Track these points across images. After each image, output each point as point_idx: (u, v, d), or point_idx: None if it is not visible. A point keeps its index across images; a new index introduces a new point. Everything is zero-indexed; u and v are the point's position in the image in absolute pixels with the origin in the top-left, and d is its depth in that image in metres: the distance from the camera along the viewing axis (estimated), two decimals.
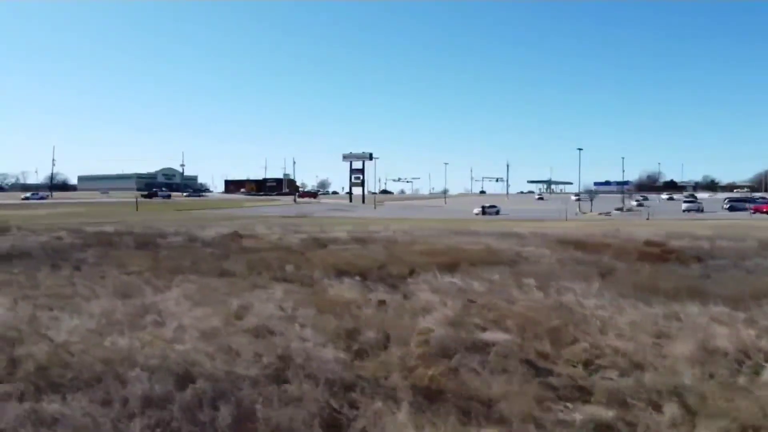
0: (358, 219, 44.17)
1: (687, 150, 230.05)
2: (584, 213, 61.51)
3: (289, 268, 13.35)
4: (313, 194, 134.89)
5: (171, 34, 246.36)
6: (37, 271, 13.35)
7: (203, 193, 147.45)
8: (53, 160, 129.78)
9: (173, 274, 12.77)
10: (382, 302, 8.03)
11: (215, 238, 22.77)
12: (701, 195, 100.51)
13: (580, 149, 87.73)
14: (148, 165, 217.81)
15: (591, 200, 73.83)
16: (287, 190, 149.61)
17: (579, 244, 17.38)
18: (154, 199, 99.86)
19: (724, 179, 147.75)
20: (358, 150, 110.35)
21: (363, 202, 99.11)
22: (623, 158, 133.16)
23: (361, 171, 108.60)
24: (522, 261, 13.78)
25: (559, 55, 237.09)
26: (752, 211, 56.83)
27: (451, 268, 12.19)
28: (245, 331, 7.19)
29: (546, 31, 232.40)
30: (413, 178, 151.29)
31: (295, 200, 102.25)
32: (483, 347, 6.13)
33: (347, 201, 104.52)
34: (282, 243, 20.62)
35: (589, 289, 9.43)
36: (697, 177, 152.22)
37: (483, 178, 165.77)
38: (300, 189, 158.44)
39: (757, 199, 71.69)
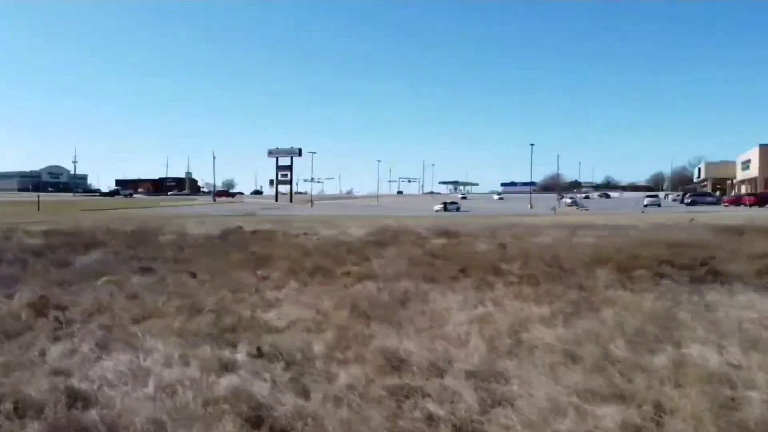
0: (337, 217, 39.37)
1: (583, 151, 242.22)
2: (558, 208, 63.38)
3: (505, 266, 9.45)
4: (230, 194, 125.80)
5: (56, 34, 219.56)
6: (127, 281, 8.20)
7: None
8: None
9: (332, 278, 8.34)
10: None
11: (243, 236, 17.94)
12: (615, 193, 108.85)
13: (532, 144, 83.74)
14: (30, 164, 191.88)
15: (573, 198, 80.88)
16: (188, 191, 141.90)
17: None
18: (116, 198, 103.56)
19: (622, 180, 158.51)
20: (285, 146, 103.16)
21: (291, 201, 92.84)
22: (585, 160, 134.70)
23: (290, 168, 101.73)
24: None
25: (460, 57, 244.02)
26: (725, 204, 62.36)
27: None
28: None
29: (446, 31, 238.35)
30: (327, 178, 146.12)
31: (214, 200, 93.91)
32: None
33: (266, 200, 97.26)
34: (341, 240, 16.28)
35: None
36: (596, 178, 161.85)
37: (399, 178, 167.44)
38: (202, 188, 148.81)
39: (710, 194, 78.23)
